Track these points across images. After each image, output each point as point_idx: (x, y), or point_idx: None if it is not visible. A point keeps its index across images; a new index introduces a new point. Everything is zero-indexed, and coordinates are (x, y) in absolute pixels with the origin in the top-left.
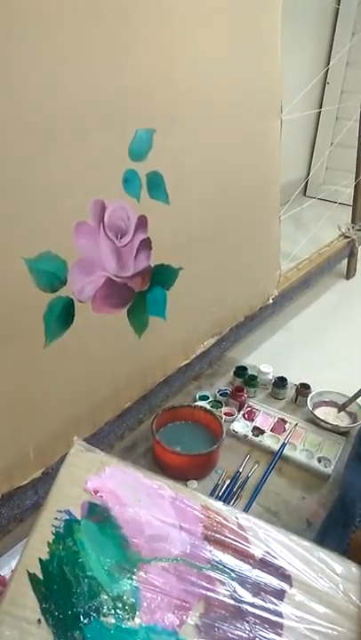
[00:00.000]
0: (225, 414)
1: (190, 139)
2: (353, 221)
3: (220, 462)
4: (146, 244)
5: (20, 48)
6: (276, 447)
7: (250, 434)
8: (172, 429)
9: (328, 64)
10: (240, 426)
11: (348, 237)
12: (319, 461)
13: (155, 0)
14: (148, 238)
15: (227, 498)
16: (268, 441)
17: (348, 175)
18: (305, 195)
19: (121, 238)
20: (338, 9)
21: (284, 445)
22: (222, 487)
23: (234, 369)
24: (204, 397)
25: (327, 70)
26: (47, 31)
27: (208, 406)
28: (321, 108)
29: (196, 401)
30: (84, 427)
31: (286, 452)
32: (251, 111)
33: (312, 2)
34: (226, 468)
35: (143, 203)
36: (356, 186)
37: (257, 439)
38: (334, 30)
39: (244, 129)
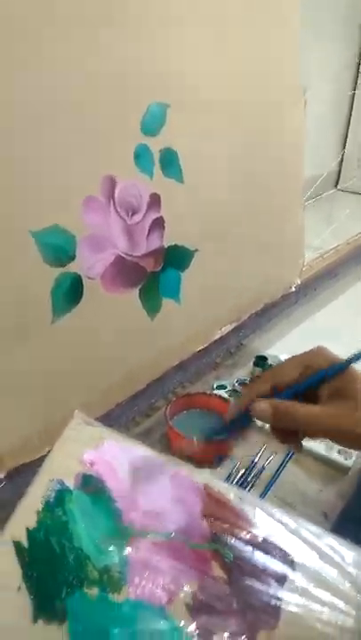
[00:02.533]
0: None
1: (206, 117)
2: None
3: (236, 452)
4: (159, 223)
5: (36, 19)
6: None
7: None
8: (187, 417)
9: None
10: None
11: None
12: (339, 453)
13: None
14: (162, 217)
15: (241, 487)
16: None
17: None
18: (336, 186)
19: (132, 216)
20: None
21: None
22: (236, 476)
23: (254, 359)
24: (221, 387)
25: None
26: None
27: (226, 395)
28: (354, 92)
29: (213, 390)
30: (95, 407)
31: (304, 442)
32: (270, 92)
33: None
34: (241, 457)
35: (156, 180)
36: None
37: None
38: None
39: (263, 110)
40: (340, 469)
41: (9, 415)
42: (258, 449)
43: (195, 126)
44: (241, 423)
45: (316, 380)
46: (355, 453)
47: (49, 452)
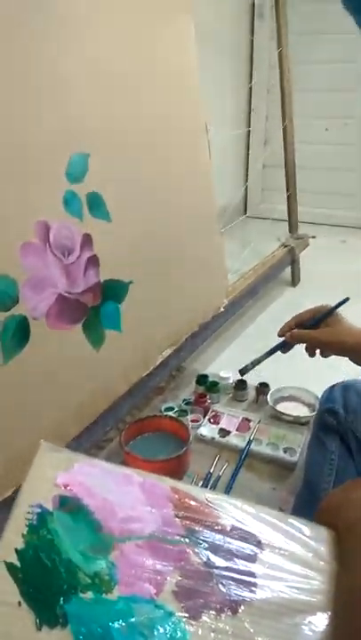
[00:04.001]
0: (191, 421)
1: (123, 160)
2: (290, 232)
3: (192, 466)
4: (94, 261)
5: None
6: (242, 445)
7: (217, 436)
8: (141, 441)
9: (250, 92)
10: (207, 430)
11: (288, 246)
12: (285, 452)
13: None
14: (95, 255)
15: None
16: (235, 440)
17: (282, 193)
18: (245, 214)
19: (68, 256)
20: (253, 40)
21: (250, 442)
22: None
23: (195, 378)
24: (169, 409)
25: (250, 98)
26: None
27: (175, 416)
28: (249, 133)
29: (162, 412)
30: (52, 442)
31: (253, 447)
32: (176, 133)
33: (229, 37)
34: (197, 470)
35: (86, 221)
36: (288, 199)
37: (224, 440)
38: (252, 61)
39: (172, 150)
40: (288, 466)
41: None
42: (211, 461)
43: (114, 169)
44: (280, 345)
45: (317, 320)
46: (298, 450)
47: (13, 492)
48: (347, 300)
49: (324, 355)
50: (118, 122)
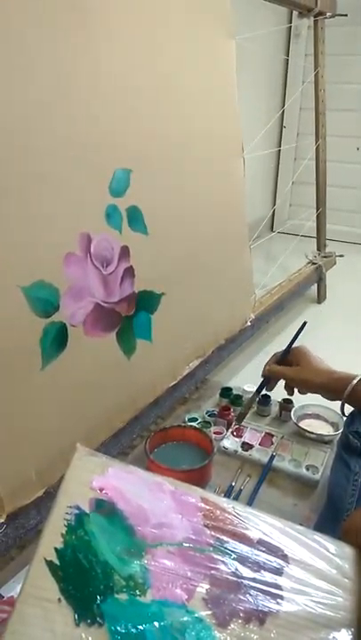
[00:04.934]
0: (214, 433)
1: (163, 176)
2: (318, 249)
3: (214, 478)
4: (129, 272)
5: (12, 96)
6: (265, 460)
7: (240, 449)
8: (165, 450)
9: (283, 110)
10: (229, 442)
11: (316, 264)
12: (307, 469)
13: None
14: (132, 266)
15: None
16: (258, 454)
17: (310, 210)
18: (272, 230)
19: (107, 267)
20: (287, 60)
21: (272, 457)
22: None
23: (220, 391)
24: (193, 419)
25: (283, 115)
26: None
27: (198, 427)
28: (280, 150)
29: (186, 423)
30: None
31: (275, 463)
32: (215, 152)
33: (264, 56)
34: (219, 483)
35: (125, 234)
36: (317, 217)
37: (247, 453)
38: (286, 80)
39: (210, 167)
40: (310, 484)
41: (7, 459)
42: (233, 473)
43: (154, 185)
44: (263, 383)
45: (283, 355)
46: (321, 468)
47: (45, 492)
48: (305, 324)
49: (300, 392)
50: (160, 139)
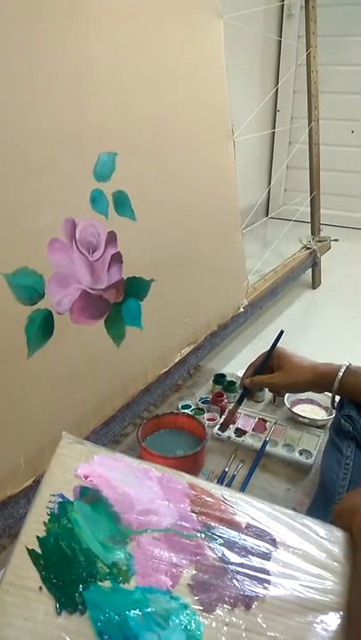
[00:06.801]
0: (208, 420)
1: (149, 160)
2: (312, 234)
3: (207, 464)
4: (117, 258)
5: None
6: (258, 445)
7: (233, 435)
8: (158, 437)
9: (276, 93)
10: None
11: (310, 248)
12: (300, 454)
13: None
14: (119, 252)
15: None
16: (251, 440)
17: (305, 194)
18: (267, 215)
19: (93, 253)
20: (280, 41)
21: (266, 442)
22: None
23: (213, 377)
24: (186, 407)
25: (276, 98)
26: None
27: (192, 414)
28: (274, 134)
29: (179, 410)
30: (72, 434)
31: (269, 448)
32: (203, 134)
33: (256, 37)
34: (213, 469)
35: (111, 219)
36: (311, 201)
37: (240, 439)
38: (279, 62)
39: (198, 150)
40: (303, 468)
41: None
42: (226, 459)
43: (140, 169)
44: (244, 394)
45: (261, 366)
46: (314, 453)
47: (34, 481)
48: (281, 333)
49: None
50: (146, 122)
